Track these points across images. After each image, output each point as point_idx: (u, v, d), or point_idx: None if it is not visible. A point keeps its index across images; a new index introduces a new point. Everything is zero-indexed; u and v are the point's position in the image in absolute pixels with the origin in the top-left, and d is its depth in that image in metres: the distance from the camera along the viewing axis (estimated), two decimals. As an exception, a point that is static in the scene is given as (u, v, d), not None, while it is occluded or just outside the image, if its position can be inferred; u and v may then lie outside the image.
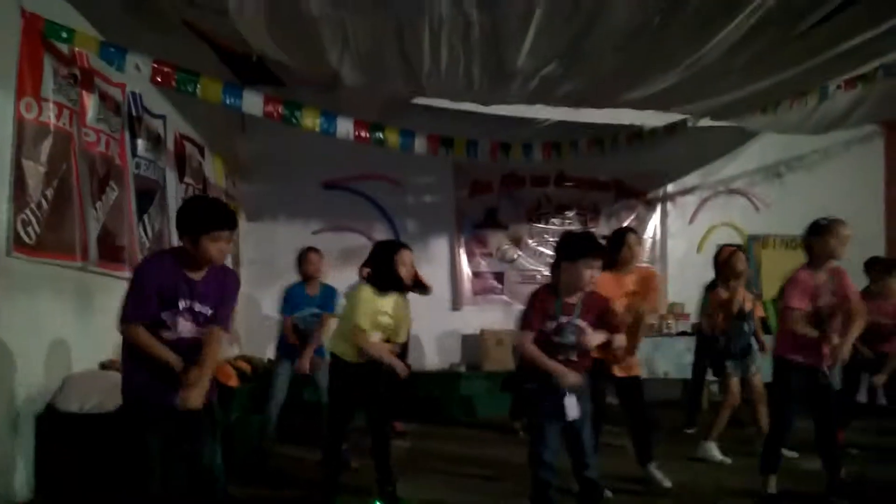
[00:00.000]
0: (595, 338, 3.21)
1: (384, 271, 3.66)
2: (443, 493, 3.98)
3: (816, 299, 3.62)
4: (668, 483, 4.10)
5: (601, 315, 3.26)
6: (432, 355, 7.49)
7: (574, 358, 3.22)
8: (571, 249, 3.22)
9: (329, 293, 4.96)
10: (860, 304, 3.63)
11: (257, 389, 5.18)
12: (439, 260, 7.72)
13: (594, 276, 3.15)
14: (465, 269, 7.76)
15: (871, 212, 8.39)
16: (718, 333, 4.89)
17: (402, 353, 5.62)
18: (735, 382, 4.83)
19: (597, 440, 4.05)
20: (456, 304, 7.73)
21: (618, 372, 4.08)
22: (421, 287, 5.39)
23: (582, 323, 3.21)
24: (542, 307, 3.19)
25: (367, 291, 3.63)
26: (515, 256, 7.81)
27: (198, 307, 2.71)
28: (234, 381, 4.89)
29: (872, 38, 5.02)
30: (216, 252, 2.66)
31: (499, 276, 7.80)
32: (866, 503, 3.71)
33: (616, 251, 4.10)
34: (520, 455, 3.48)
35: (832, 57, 5.24)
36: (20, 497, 3.46)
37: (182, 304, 2.67)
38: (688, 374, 6.27)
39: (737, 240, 8.08)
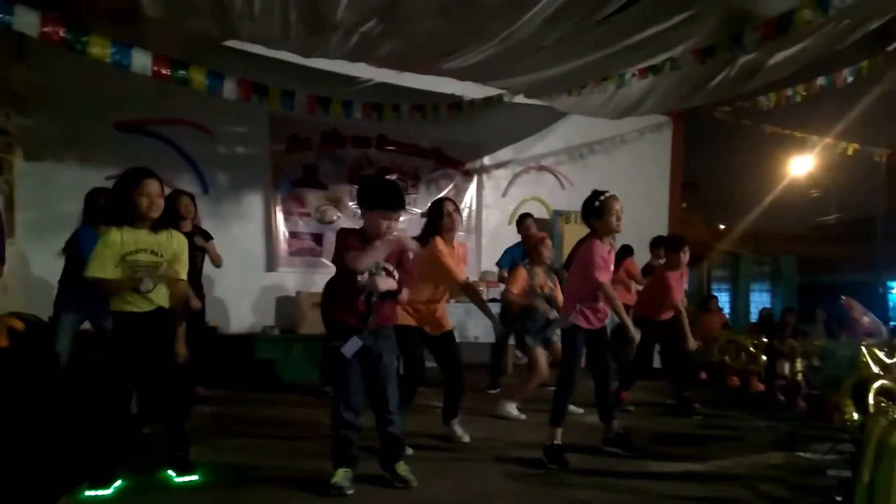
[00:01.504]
0: (384, 282, 3.30)
1: (118, 203, 3.24)
2: (241, 457, 3.81)
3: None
4: (467, 438, 4.30)
5: (399, 259, 3.38)
6: (244, 317, 7.14)
7: (374, 299, 3.31)
8: (369, 198, 3.33)
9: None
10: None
11: (32, 350, 4.56)
12: (253, 216, 7.33)
13: (392, 227, 3.27)
14: (282, 228, 7.45)
15: (658, 195, 9.39)
16: (515, 311, 5.17)
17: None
18: (540, 353, 5.13)
19: (410, 399, 4.14)
20: (271, 264, 7.42)
21: (430, 330, 4.16)
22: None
23: (388, 265, 3.32)
24: (351, 244, 3.25)
25: (105, 236, 3.23)
26: (335, 218, 7.64)
27: None
28: (2, 341, 4.27)
29: (661, 31, 5.57)
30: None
31: (317, 238, 7.60)
32: (634, 451, 4.14)
33: (437, 220, 4.17)
34: (325, 417, 3.44)
35: (628, 46, 5.75)
36: None
37: None
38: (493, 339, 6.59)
39: (544, 214, 8.65)
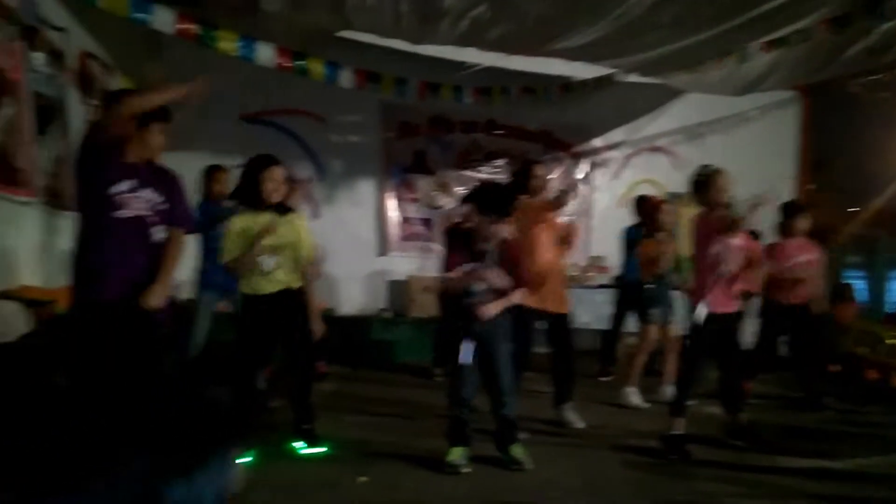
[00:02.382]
0: (497, 278, 3.37)
1: (246, 186, 3.44)
2: (361, 433, 3.96)
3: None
4: (581, 424, 4.24)
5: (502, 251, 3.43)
6: (358, 300, 7.39)
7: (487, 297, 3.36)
8: (487, 205, 3.37)
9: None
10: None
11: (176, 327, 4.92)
12: (366, 203, 7.55)
13: (500, 232, 3.34)
14: (393, 213, 7.63)
15: (784, 175, 8.78)
16: (646, 278, 5.02)
17: None
18: (654, 329, 4.98)
19: (517, 382, 4.14)
20: (383, 249, 7.62)
21: (551, 308, 4.12)
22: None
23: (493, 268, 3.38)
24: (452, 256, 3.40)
25: (235, 221, 3.43)
26: (443, 203, 7.73)
27: (146, 192, 2.82)
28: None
29: (790, 1, 5.17)
30: (161, 143, 2.89)
31: (427, 223, 7.72)
32: (761, 445, 3.92)
33: (524, 181, 4.14)
34: (438, 398, 3.51)
35: (754, 17, 5.38)
36: None
37: (124, 185, 2.75)
38: (606, 326, 6.43)
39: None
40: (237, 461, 3.17)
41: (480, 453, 3.47)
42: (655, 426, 4.02)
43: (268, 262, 3.39)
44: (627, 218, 6.80)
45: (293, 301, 3.49)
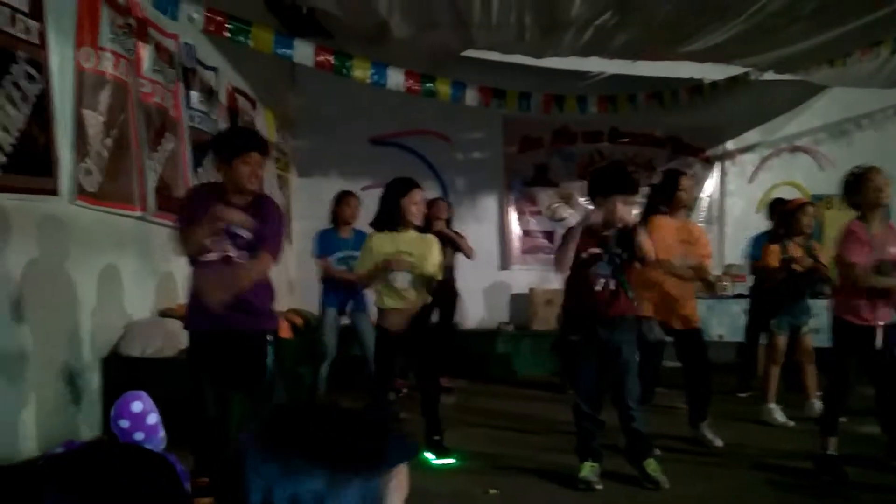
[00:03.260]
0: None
1: (388, 209, 3.60)
2: (488, 446, 4.01)
3: (873, 252, 3.45)
4: (719, 442, 4.04)
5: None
6: (480, 314, 7.48)
7: (612, 287, 3.27)
8: (602, 185, 3.31)
9: (362, 237, 4.86)
10: None
11: (306, 342, 5.28)
12: (488, 217, 7.65)
13: (627, 212, 3.23)
14: (515, 227, 7.68)
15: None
16: (769, 286, 4.73)
17: (448, 297, 5.61)
18: (782, 340, 4.67)
19: (649, 398, 4.03)
20: (505, 262, 7.68)
21: (675, 324, 4.00)
22: (450, 242, 5.24)
23: (619, 251, 3.28)
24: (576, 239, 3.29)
25: (371, 239, 3.64)
26: (566, 215, 7.67)
27: (236, 230, 2.81)
28: (286, 333, 5.00)
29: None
30: (249, 173, 2.78)
31: (549, 235, 7.69)
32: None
33: (670, 193, 3.98)
34: (561, 412, 3.49)
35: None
36: (88, 435, 3.64)
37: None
38: (742, 338, 6.09)
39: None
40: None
41: (617, 470, 3.40)
42: (801, 445, 3.76)
43: (401, 278, 3.54)
44: (762, 224, 6.43)
45: (420, 318, 3.64)
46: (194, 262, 2.90)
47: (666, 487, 3.26)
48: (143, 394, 1.18)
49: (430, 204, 5.19)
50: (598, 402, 3.38)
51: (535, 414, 4.91)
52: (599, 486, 3.26)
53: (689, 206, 4.08)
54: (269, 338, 2.95)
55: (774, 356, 4.69)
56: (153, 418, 1.17)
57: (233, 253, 2.84)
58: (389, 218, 3.57)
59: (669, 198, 3.99)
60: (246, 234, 2.84)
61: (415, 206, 3.53)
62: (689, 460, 3.80)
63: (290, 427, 0.73)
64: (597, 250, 3.28)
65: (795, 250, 4.61)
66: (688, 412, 4.17)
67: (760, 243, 5.77)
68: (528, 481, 3.39)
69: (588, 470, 3.31)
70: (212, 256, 2.82)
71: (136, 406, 1.15)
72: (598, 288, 3.28)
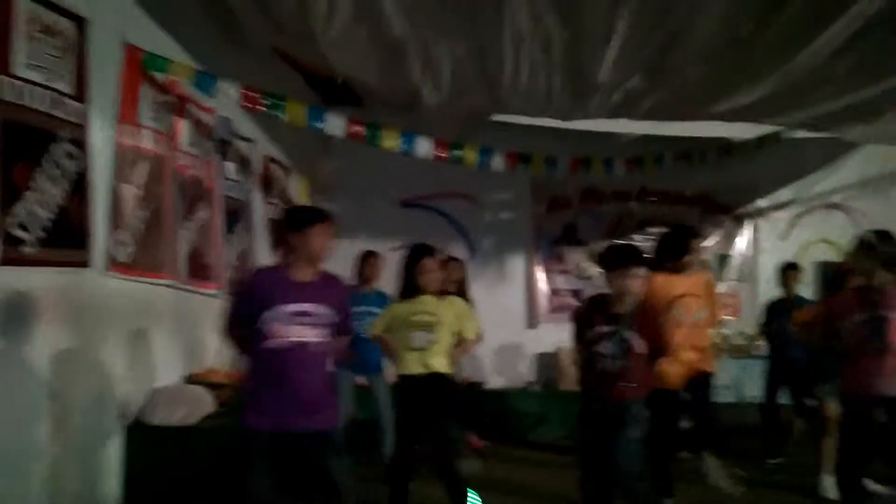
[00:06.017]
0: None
1: (405, 279, 3.66)
2: None
3: None
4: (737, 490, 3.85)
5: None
6: (507, 373, 7.36)
7: (615, 369, 3.16)
8: (613, 260, 3.27)
9: (386, 298, 4.69)
10: None
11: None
12: (515, 277, 7.61)
13: (639, 286, 3.17)
14: (542, 285, 7.61)
15: None
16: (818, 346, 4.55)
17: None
18: (834, 408, 4.46)
19: (661, 469, 3.84)
20: (532, 321, 7.59)
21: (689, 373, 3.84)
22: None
23: (629, 334, 3.18)
24: (578, 318, 3.32)
25: (391, 305, 3.75)
26: (595, 273, 7.58)
27: (312, 308, 2.67)
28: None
29: None
30: (323, 243, 2.76)
31: (577, 294, 7.59)
32: None
33: (680, 254, 3.89)
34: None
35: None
36: (110, 504, 3.61)
37: (291, 308, 2.64)
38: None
39: (835, 258, 7.59)
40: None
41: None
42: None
43: (420, 337, 3.52)
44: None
45: (441, 384, 3.58)
46: (255, 348, 2.69)
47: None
48: None
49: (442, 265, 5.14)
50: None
51: (552, 488, 4.63)
52: None
53: (701, 263, 3.97)
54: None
55: (828, 427, 4.47)
56: None
57: (318, 338, 2.68)
58: (408, 288, 3.62)
59: (677, 258, 3.90)
60: (324, 310, 2.70)
61: (425, 276, 3.57)
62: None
63: None
64: (605, 329, 3.20)
65: None
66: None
67: (775, 311, 5.68)
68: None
69: None
70: (279, 343, 2.63)
71: None
72: (600, 367, 3.19)
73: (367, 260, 4.96)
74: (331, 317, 2.72)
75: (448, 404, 3.66)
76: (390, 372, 3.88)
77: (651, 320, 3.35)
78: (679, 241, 3.98)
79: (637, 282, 3.16)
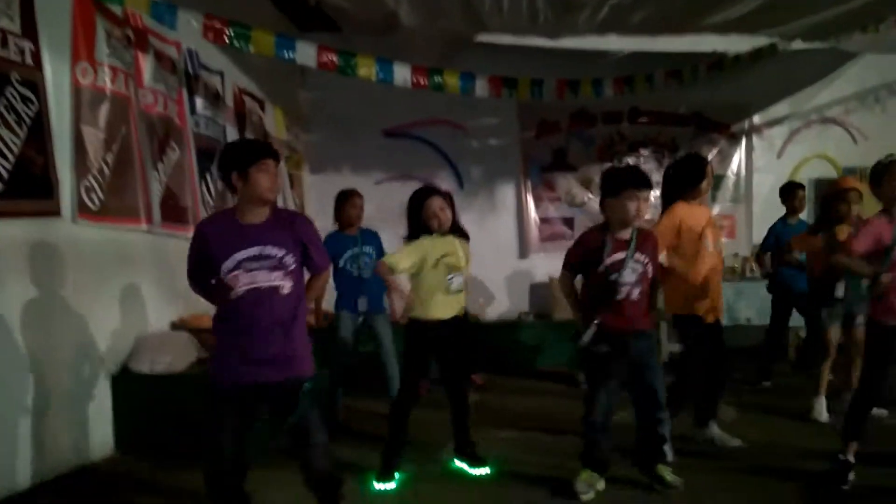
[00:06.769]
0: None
1: (412, 222, 3.45)
2: (508, 450, 3.87)
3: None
4: (736, 442, 3.85)
5: (653, 248, 3.21)
6: (500, 304, 7.35)
7: (635, 297, 3.13)
8: (613, 184, 3.14)
9: (375, 235, 4.62)
10: None
11: (320, 342, 5.14)
12: (505, 206, 7.47)
13: (640, 208, 3.06)
14: (533, 214, 7.49)
15: None
16: (818, 274, 4.51)
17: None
18: (833, 334, 4.47)
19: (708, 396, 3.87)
20: (523, 251, 7.52)
21: (708, 318, 3.77)
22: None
23: (640, 257, 3.12)
24: (584, 245, 3.17)
25: (421, 240, 3.42)
26: (586, 199, 7.46)
27: (268, 250, 2.50)
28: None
29: None
30: (267, 183, 2.49)
31: (568, 222, 7.49)
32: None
33: (696, 181, 3.77)
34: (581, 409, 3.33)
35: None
36: (100, 454, 3.65)
37: (243, 254, 2.47)
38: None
39: (831, 173, 7.48)
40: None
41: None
42: (831, 444, 3.56)
43: (457, 281, 3.43)
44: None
45: (467, 325, 3.55)
46: (219, 299, 2.54)
47: (681, 489, 3.15)
48: None
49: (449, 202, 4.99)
50: (611, 411, 3.25)
51: (556, 411, 4.73)
52: (588, 496, 3.14)
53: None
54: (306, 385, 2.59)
55: (827, 350, 4.47)
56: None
57: (277, 281, 2.50)
58: (417, 232, 3.43)
59: (693, 186, 3.77)
60: (277, 252, 2.50)
61: (434, 216, 3.38)
62: (709, 467, 3.56)
63: None
64: (620, 255, 3.10)
65: (843, 235, 4.30)
66: (694, 411, 3.95)
67: (779, 232, 5.52)
68: (543, 491, 3.27)
69: (584, 477, 3.20)
70: (239, 291, 2.46)
71: None
72: (620, 297, 3.12)
73: (350, 200, 4.74)
74: (291, 257, 2.54)
75: (472, 344, 3.57)
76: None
77: (687, 249, 3.41)
78: (695, 168, 3.84)
79: (637, 204, 3.04)
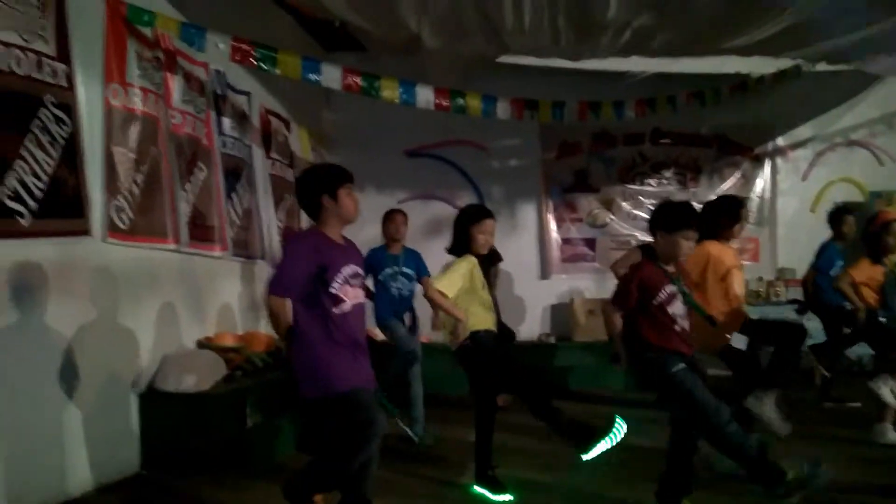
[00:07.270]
0: None
1: (458, 237, 3.46)
2: (533, 472, 3.81)
3: None
4: (786, 429, 3.74)
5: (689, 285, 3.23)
6: (520, 326, 7.29)
7: (686, 327, 3.10)
8: (669, 220, 3.10)
9: (417, 255, 4.67)
10: None
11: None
12: (526, 226, 7.45)
13: (690, 248, 3.09)
14: (554, 235, 7.46)
15: None
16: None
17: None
18: None
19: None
20: (544, 272, 7.48)
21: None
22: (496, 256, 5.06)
23: (686, 290, 3.13)
24: (642, 282, 3.07)
25: (469, 261, 3.43)
26: (608, 220, 7.43)
27: (359, 269, 2.73)
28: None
29: None
30: (354, 205, 2.68)
31: (590, 243, 7.45)
32: None
33: (732, 223, 3.78)
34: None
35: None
36: (128, 471, 3.65)
37: (348, 270, 2.63)
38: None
39: (857, 197, 7.38)
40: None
41: None
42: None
43: (492, 297, 3.62)
44: (818, 224, 6.09)
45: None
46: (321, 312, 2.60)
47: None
48: None
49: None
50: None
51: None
52: None
53: None
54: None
55: None
56: None
57: (363, 298, 2.77)
58: (460, 245, 3.46)
59: (728, 228, 3.78)
60: (360, 271, 2.75)
61: (482, 237, 3.41)
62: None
63: None
64: (673, 288, 3.07)
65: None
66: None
67: (829, 254, 5.43)
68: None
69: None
70: (346, 306, 2.61)
71: None
72: (678, 329, 3.08)
73: (388, 216, 4.77)
74: (364, 277, 2.79)
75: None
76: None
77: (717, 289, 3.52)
78: (732, 209, 3.85)
79: (690, 245, 3.07)
